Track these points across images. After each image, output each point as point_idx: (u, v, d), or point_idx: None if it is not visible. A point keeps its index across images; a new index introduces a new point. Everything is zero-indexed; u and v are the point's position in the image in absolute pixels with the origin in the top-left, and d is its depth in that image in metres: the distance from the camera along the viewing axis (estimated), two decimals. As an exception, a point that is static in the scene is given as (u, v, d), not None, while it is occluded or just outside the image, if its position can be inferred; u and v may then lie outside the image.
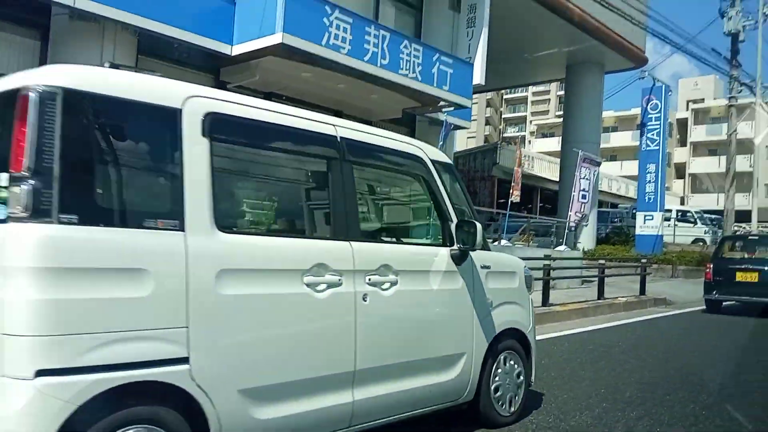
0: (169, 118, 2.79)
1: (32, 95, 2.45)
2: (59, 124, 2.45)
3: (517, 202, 16.42)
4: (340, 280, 3.33)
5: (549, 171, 28.99)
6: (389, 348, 3.65)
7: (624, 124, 58.50)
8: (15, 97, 2.49)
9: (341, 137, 3.57)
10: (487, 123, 76.95)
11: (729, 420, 4.84)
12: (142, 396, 2.55)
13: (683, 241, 25.27)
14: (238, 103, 3.15)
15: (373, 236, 4.17)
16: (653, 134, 21.81)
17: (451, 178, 4.34)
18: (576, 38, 18.87)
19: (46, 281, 2.35)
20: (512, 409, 4.54)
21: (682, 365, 7.13)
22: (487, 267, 4.36)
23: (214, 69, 11.87)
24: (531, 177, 27.82)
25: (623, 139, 57.05)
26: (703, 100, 56.21)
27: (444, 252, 4.05)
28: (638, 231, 21.70)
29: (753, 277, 11.99)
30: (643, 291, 14.08)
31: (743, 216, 26.29)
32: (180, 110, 2.82)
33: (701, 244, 25.59)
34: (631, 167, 50.88)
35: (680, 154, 57.26)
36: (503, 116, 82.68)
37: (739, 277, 12.20)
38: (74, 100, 2.51)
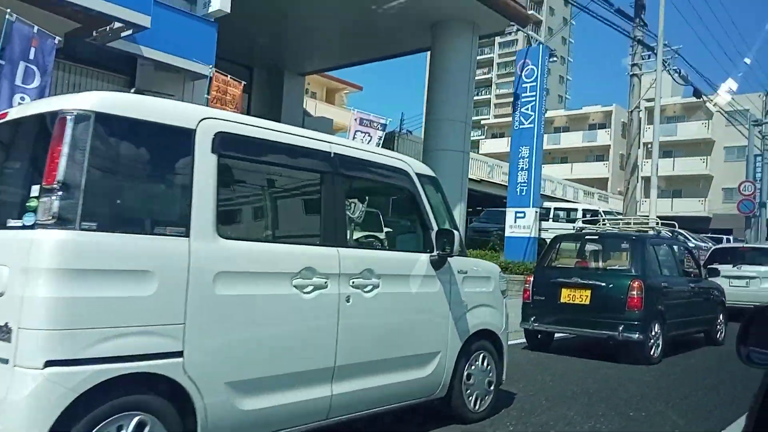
0: (184, 137, 3.01)
1: (69, 118, 2.72)
2: (89, 144, 2.71)
3: None
4: (326, 282, 3.51)
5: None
6: (368, 346, 3.81)
7: (575, 123, 55.93)
8: (51, 119, 2.78)
9: (335, 153, 3.76)
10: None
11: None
12: (138, 385, 2.71)
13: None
14: (244, 123, 3.36)
15: (359, 243, 4.41)
16: (527, 108, 16.41)
17: (435, 189, 4.55)
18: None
19: (62, 281, 2.55)
20: (483, 406, 4.66)
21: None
22: (464, 272, 4.54)
23: None
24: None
25: (574, 139, 54.35)
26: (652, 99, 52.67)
27: (424, 258, 4.23)
28: (507, 232, 16.53)
29: (583, 297, 7.54)
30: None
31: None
32: (194, 130, 3.04)
33: None
34: (582, 169, 50.42)
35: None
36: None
37: (565, 296, 7.66)
38: (103, 122, 2.77)
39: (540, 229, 16.88)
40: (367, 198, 4.24)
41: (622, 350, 7.42)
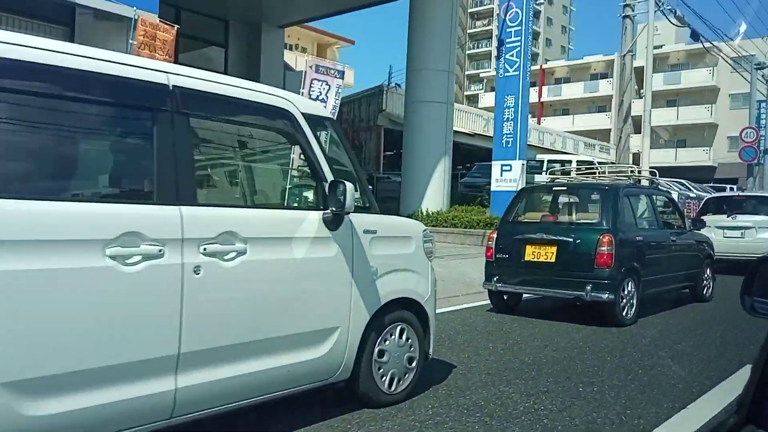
0: None
1: None
2: None
3: None
4: (161, 251, 2.72)
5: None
6: (230, 326, 3.02)
7: (577, 74, 54.14)
8: None
9: (174, 86, 2.91)
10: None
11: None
12: None
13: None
14: (23, 45, 2.49)
15: (218, 200, 3.64)
16: (512, 54, 15.15)
17: (329, 132, 3.77)
18: None
19: None
20: (402, 386, 3.95)
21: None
22: (372, 232, 3.75)
23: None
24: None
25: (576, 90, 52.66)
26: (662, 46, 45.25)
27: (314, 216, 3.43)
28: (494, 186, 15.47)
29: (549, 255, 6.75)
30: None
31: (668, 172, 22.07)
32: None
33: None
34: (584, 121, 49.32)
35: (637, 106, 52.51)
36: (466, 73, 76.81)
37: (530, 254, 6.90)
38: None
39: (531, 183, 16.04)
40: (231, 144, 3.46)
41: (593, 312, 6.73)
